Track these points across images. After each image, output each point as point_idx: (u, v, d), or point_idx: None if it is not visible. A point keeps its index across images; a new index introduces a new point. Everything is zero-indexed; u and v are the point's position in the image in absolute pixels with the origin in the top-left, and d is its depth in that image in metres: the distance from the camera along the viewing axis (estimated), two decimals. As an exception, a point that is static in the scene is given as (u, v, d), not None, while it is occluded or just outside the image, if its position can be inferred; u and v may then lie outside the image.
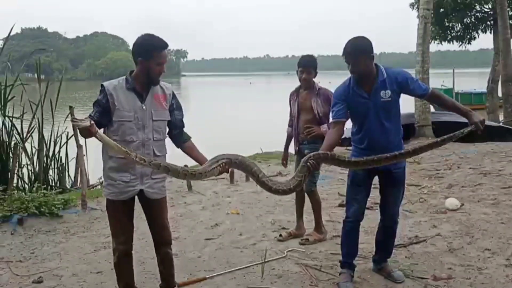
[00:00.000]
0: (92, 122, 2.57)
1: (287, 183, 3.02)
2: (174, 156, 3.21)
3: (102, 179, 8.16)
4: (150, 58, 2.81)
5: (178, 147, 3.08)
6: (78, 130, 2.69)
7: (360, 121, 3.28)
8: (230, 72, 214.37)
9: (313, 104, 4.24)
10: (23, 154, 7.21)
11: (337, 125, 3.27)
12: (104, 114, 2.84)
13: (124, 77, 2.92)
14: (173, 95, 3.03)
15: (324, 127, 4.20)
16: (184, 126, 3.08)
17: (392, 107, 3.25)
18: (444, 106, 3.37)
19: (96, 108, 2.87)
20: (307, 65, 4.27)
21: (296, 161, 4.40)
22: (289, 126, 4.54)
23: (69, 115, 7.20)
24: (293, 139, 4.49)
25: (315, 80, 4.38)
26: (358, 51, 3.15)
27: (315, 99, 4.25)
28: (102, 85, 2.90)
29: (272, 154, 9.65)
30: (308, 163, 2.98)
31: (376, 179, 3.44)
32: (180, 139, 3.06)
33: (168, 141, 3.05)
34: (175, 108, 3.03)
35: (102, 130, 2.85)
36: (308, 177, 3.12)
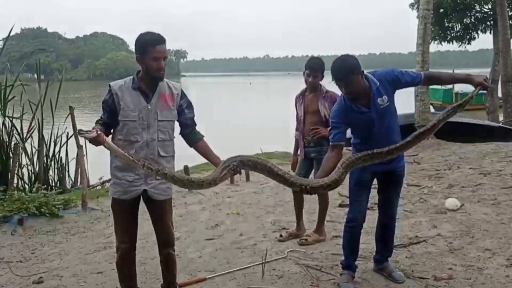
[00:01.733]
0: (99, 132, 2.62)
1: (327, 178, 2.85)
2: (180, 157, 3.20)
3: (103, 179, 8.23)
4: (146, 54, 2.79)
5: (191, 146, 3.05)
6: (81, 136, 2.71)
7: (366, 133, 3.23)
8: (230, 73, 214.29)
9: (320, 107, 4.21)
10: (23, 154, 7.23)
11: (335, 148, 3.19)
12: (112, 114, 2.86)
13: (132, 76, 2.92)
14: (182, 94, 3.00)
15: None
16: (196, 125, 3.05)
17: (391, 110, 3.23)
18: (443, 83, 3.44)
19: (104, 109, 2.89)
20: (315, 68, 4.22)
21: (303, 166, 4.37)
22: (296, 130, 4.49)
23: (69, 115, 7.22)
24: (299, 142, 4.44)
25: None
26: (348, 72, 3.05)
27: (322, 102, 4.22)
28: (109, 85, 2.91)
29: (272, 154, 9.64)
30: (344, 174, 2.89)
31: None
32: (193, 138, 3.03)
33: (175, 141, 3.02)
34: (185, 107, 3.00)
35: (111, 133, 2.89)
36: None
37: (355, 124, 3.24)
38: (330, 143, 3.23)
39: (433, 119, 3.25)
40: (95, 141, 2.62)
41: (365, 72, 3.17)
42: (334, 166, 3.00)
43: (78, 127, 6.36)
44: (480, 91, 3.17)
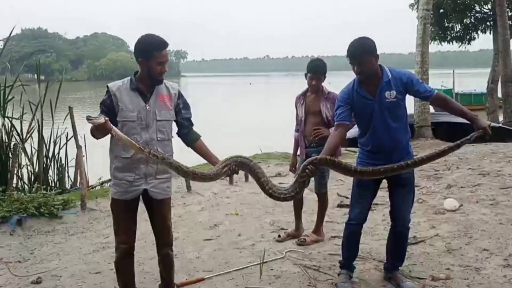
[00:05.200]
0: (107, 118, 2.62)
1: (286, 191, 3.05)
2: (180, 156, 3.20)
3: (102, 179, 8.20)
4: (151, 58, 2.82)
5: (188, 146, 3.06)
6: (89, 131, 2.72)
7: (366, 123, 3.25)
8: (230, 73, 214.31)
9: (322, 108, 4.21)
10: (23, 154, 7.22)
11: (339, 127, 3.23)
12: (110, 115, 2.85)
13: (129, 77, 2.94)
14: (179, 94, 3.02)
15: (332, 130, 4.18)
16: (193, 125, 3.07)
17: (398, 107, 3.21)
18: (449, 110, 3.25)
19: (102, 110, 2.90)
20: (318, 71, 4.21)
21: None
22: (295, 131, 4.48)
23: (68, 115, 7.22)
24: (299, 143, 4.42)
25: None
26: (364, 52, 3.12)
27: (324, 102, 4.21)
28: (107, 86, 2.92)
29: (272, 154, 9.64)
30: (307, 170, 2.95)
31: (384, 183, 3.37)
32: (190, 138, 3.04)
33: (174, 141, 3.04)
34: (182, 107, 3.02)
35: None
36: (307, 183, 3.13)
37: (358, 110, 3.25)
38: (335, 122, 3.28)
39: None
40: (103, 128, 2.61)
41: (385, 66, 3.22)
42: (337, 145, 3.29)
43: (78, 127, 6.37)
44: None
